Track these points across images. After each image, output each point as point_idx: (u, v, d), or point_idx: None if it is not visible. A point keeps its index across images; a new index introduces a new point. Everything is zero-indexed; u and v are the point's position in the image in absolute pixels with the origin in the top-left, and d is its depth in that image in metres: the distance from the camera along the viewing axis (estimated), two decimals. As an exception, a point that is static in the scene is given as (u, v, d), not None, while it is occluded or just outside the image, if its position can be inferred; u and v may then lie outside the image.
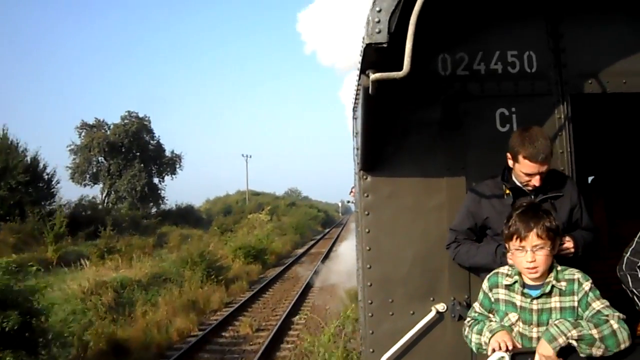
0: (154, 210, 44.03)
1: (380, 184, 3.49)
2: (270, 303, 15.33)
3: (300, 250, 33.21)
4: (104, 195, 40.55)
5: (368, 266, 3.46)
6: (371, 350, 3.41)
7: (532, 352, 2.42)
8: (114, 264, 19.29)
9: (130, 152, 41.38)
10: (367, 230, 3.48)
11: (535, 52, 3.53)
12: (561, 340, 2.33)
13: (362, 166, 3.46)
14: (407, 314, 3.39)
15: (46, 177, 28.06)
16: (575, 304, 2.48)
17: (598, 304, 2.45)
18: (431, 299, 3.40)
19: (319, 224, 59.27)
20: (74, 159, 40.27)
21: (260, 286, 18.13)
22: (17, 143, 26.46)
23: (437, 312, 3.34)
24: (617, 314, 2.39)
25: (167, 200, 45.15)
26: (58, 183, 28.62)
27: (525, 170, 2.93)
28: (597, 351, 2.33)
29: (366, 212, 3.49)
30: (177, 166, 45.11)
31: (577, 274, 2.53)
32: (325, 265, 24.07)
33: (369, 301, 3.44)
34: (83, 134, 40.88)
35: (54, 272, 18.46)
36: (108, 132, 40.65)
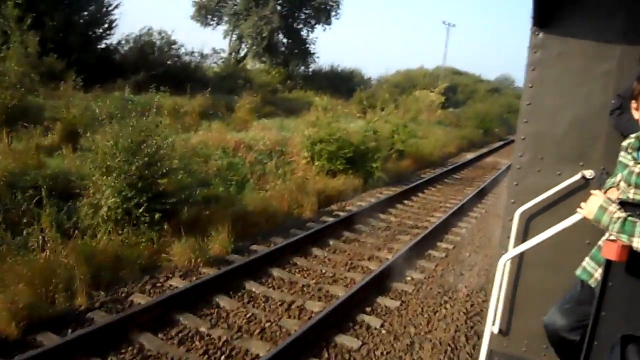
0: (301, 68, 34.30)
1: (551, 42, 3.30)
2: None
3: (468, 156, 20.60)
4: (230, 41, 31.55)
5: (525, 120, 3.40)
6: (512, 201, 3.46)
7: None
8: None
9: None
10: (530, 85, 3.38)
11: None
12: (601, 225, 2.15)
13: (535, 21, 3.32)
14: (554, 173, 3.33)
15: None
16: None
17: None
18: (581, 164, 3.28)
19: (521, 120, 44.24)
20: (198, -10, 31.31)
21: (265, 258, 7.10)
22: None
23: (584, 177, 3.24)
24: None
25: (317, 57, 34.69)
26: (116, 7, 19.79)
27: None
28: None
29: (532, 68, 3.36)
30: (333, 14, 33.62)
31: None
32: (485, 202, 11.92)
33: (519, 154, 3.44)
34: (220, -40, 31.48)
35: None
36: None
